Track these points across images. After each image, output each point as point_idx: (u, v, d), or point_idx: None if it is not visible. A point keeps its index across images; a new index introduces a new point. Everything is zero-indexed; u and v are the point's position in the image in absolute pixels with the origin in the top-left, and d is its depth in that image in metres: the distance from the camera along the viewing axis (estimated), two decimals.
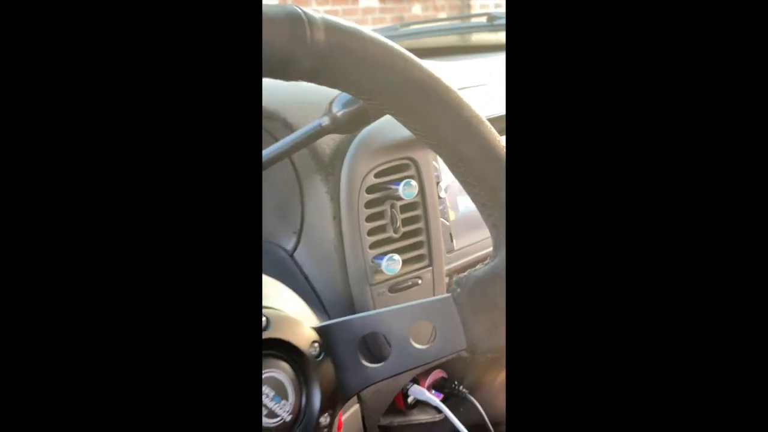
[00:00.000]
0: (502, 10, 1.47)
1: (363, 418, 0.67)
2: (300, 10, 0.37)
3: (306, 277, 0.65)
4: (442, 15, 5.31)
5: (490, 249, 0.76)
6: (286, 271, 0.66)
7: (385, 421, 0.72)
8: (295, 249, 0.66)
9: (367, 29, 0.40)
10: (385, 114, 0.55)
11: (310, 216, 0.65)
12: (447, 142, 0.43)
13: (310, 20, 0.37)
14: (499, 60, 1.11)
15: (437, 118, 0.42)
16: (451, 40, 1.36)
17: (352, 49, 0.38)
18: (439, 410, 0.74)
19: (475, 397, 0.75)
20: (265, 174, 0.61)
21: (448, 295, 0.45)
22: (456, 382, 0.75)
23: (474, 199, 0.47)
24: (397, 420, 0.73)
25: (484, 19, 1.32)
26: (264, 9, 0.37)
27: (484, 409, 0.75)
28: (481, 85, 0.79)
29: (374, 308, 0.64)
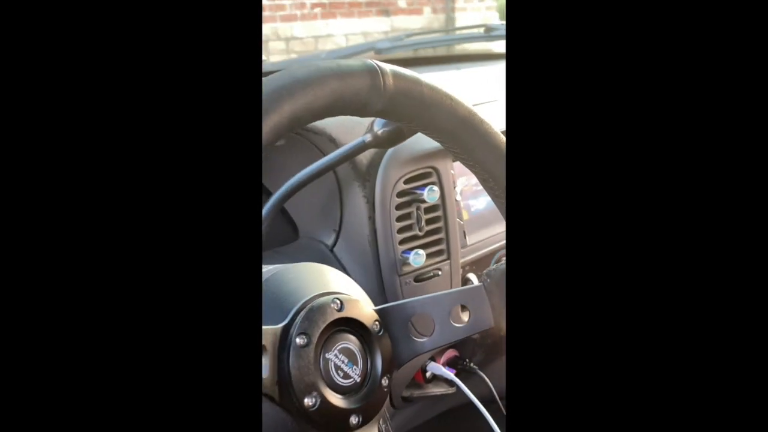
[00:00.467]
0: (497, 22, 1.57)
1: (389, 389, 0.78)
2: (375, 64, 0.48)
3: (344, 268, 0.76)
4: (427, 9, 5.38)
5: (498, 244, 0.88)
6: (326, 263, 0.76)
7: (406, 393, 0.83)
8: (334, 244, 0.77)
9: (424, 77, 0.51)
10: (416, 132, 0.66)
11: (349, 216, 0.76)
12: (481, 163, 0.54)
13: (382, 71, 0.48)
14: (496, 68, 1.22)
15: (474, 144, 0.53)
16: (451, 49, 1.46)
17: (413, 93, 0.49)
18: (451, 384, 0.85)
19: (483, 373, 0.86)
20: None
21: (480, 284, 0.57)
22: (467, 360, 0.86)
23: (500, 208, 0.58)
24: (417, 392, 0.85)
25: (481, 30, 1.42)
26: (348, 63, 0.47)
27: (491, 384, 0.86)
28: (492, 101, 0.90)
29: (403, 296, 0.75)
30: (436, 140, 0.54)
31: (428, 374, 0.85)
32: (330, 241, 0.77)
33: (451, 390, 0.86)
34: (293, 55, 4.74)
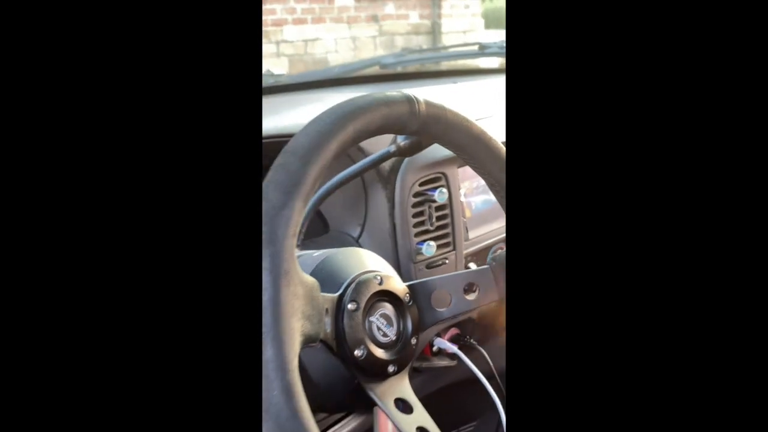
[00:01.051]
0: (490, 40, 1.72)
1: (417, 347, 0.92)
2: (413, 96, 0.62)
3: None
4: (414, 14, 5.50)
5: (495, 239, 1.03)
6: None
7: (416, 364, 0.97)
8: (359, 236, 0.91)
9: (448, 104, 0.65)
10: (431, 144, 0.80)
11: (372, 213, 0.90)
12: (489, 172, 0.69)
13: (417, 100, 0.62)
14: (487, 83, 1.37)
15: (484, 157, 0.68)
16: (448, 65, 1.61)
17: (439, 117, 0.64)
18: (453, 358, 1.00)
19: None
20: None
21: (487, 266, 0.71)
22: (468, 336, 1.01)
23: (504, 209, 0.73)
24: (425, 364, 0.99)
25: (476, 48, 1.57)
26: (393, 94, 0.61)
27: (489, 358, 1.01)
28: (489, 117, 1.05)
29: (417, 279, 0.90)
30: (455, 153, 0.68)
31: (435, 348, 0.99)
32: (356, 234, 0.91)
33: (453, 363, 1.01)
34: (283, 58, 4.86)
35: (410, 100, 0.61)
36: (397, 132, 0.62)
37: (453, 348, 0.97)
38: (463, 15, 5.70)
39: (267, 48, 4.78)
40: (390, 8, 5.35)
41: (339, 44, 5.12)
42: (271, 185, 0.51)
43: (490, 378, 1.00)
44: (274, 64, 4.68)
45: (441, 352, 1.00)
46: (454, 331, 1.02)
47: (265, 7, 4.69)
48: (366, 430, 0.86)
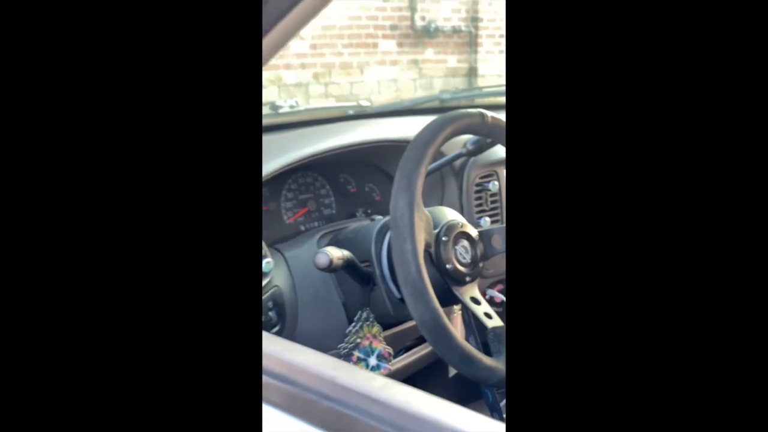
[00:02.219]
0: None
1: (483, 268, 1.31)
2: (484, 111, 1.03)
3: None
4: (452, 58, 5.82)
5: None
6: None
7: None
8: None
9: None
10: (490, 148, 1.20)
11: (447, 197, 1.31)
12: None
13: (486, 114, 1.03)
14: None
15: None
16: (489, 100, 2.04)
17: (498, 124, 1.04)
18: (499, 306, 1.39)
19: None
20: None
21: None
22: None
23: None
24: None
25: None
26: (471, 110, 1.02)
27: None
28: None
29: None
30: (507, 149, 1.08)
31: (487, 297, 1.38)
32: None
33: (500, 310, 1.39)
34: (331, 98, 5.23)
35: (482, 114, 1.02)
36: (473, 134, 1.03)
37: (501, 296, 1.37)
38: (497, 60, 6.00)
39: (316, 89, 5.15)
40: (429, 53, 5.69)
41: (382, 86, 5.45)
42: (408, 161, 0.91)
43: None
44: (322, 103, 5.04)
45: (491, 300, 1.39)
46: (501, 286, 1.41)
47: (315, 51, 5.07)
48: None
